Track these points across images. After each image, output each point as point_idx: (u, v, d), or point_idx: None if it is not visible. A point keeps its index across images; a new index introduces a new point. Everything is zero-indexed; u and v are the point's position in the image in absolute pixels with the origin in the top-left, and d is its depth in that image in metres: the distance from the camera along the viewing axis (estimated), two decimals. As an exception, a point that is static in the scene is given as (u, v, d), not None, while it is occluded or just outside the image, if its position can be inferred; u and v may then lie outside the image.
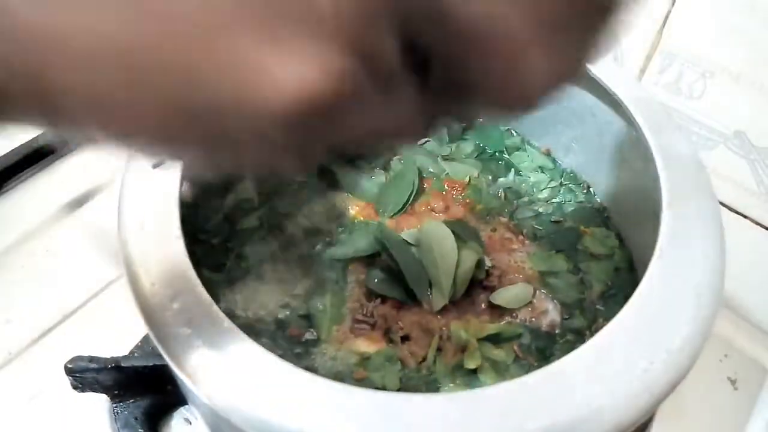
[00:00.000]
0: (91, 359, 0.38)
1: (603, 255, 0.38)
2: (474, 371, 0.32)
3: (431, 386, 0.32)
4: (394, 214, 0.39)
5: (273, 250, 0.37)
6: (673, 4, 0.43)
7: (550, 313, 0.35)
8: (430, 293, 0.34)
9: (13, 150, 0.53)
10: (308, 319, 0.34)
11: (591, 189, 0.42)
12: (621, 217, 0.40)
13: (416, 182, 0.40)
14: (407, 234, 0.36)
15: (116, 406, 0.40)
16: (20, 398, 0.42)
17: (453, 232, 0.35)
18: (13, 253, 0.49)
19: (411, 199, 0.40)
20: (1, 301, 0.46)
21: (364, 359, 0.33)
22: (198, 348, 0.25)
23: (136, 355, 0.42)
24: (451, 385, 0.31)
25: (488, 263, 0.36)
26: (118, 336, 0.44)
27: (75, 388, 0.39)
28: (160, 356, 0.41)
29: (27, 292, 0.47)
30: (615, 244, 0.38)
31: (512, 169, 0.43)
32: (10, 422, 0.41)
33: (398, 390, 0.31)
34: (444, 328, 0.33)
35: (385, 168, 0.42)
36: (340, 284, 0.35)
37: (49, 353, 0.44)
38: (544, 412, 0.23)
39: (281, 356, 0.24)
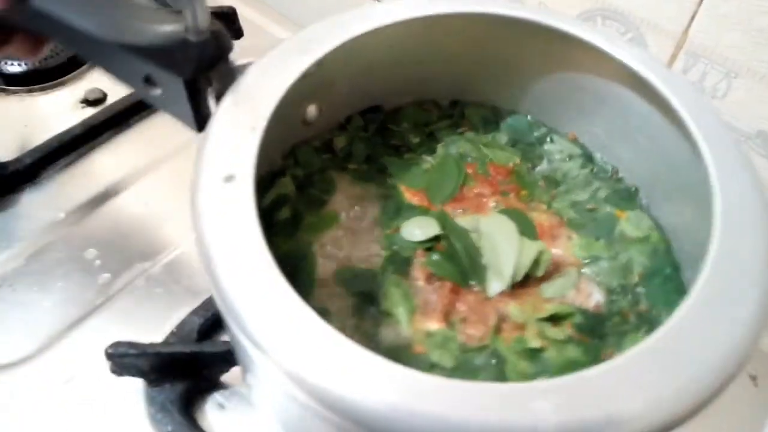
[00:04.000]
0: (131, 345, 0.39)
1: (640, 238, 0.40)
2: (538, 350, 0.33)
3: (494, 366, 0.33)
4: (446, 200, 0.40)
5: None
6: (700, 3, 0.44)
7: (594, 296, 0.37)
8: (487, 279, 0.36)
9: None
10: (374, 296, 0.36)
11: (620, 172, 0.43)
12: (652, 197, 0.41)
13: (463, 168, 0.42)
14: (465, 221, 0.38)
15: (152, 390, 0.41)
16: (56, 381, 0.43)
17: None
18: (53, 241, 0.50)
19: (459, 184, 0.41)
20: (38, 287, 0.47)
21: (427, 336, 0.34)
22: (270, 322, 0.26)
23: (171, 341, 0.43)
24: (516, 363, 0.33)
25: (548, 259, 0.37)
26: (151, 324, 0.45)
27: (113, 372, 0.40)
28: (197, 342, 0.43)
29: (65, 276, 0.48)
30: (650, 225, 0.40)
31: (545, 158, 0.44)
32: (46, 405, 0.42)
33: (453, 368, 0.33)
34: (500, 311, 0.35)
35: (431, 155, 0.43)
36: (405, 266, 0.37)
37: (84, 340, 0.45)
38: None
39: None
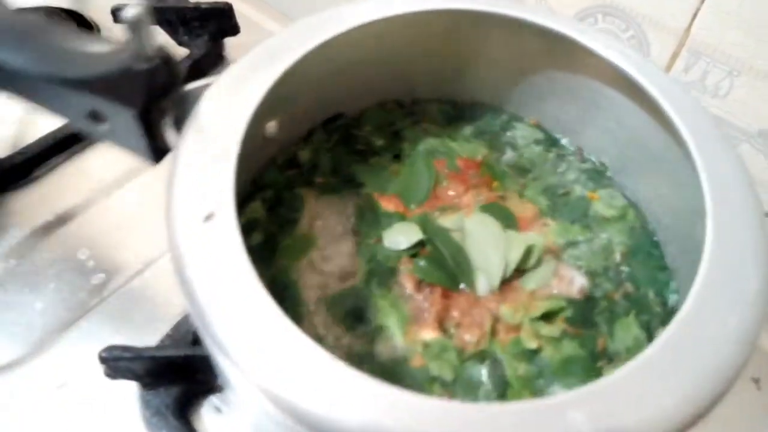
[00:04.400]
0: (125, 348, 0.39)
1: (615, 217, 0.40)
2: (535, 351, 0.33)
3: (495, 375, 0.33)
4: (421, 202, 0.39)
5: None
6: (702, 1, 0.43)
7: (577, 281, 0.37)
8: (476, 280, 0.35)
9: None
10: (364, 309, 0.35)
11: (585, 152, 0.44)
12: (622, 173, 0.42)
13: (432, 167, 0.41)
14: (447, 221, 0.37)
15: (147, 394, 0.40)
16: (49, 386, 0.42)
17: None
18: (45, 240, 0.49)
19: (432, 184, 0.40)
20: (30, 288, 0.47)
21: (424, 347, 0.33)
22: (247, 337, 0.25)
23: (166, 344, 0.42)
24: (515, 367, 0.33)
25: (538, 251, 0.37)
26: (145, 325, 0.45)
27: (107, 375, 0.39)
28: (192, 346, 0.42)
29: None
30: (623, 203, 0.41)
31: (511, 146, 0.44)
32: (39, 410, 0.41)
33: (453, 380, 0.32)
34: (493, 312, 0.35)
35: (398, 156, 0.42)
36: (390, 276, 0.36)
37: (77, 342, 0.44)
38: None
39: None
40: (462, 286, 0.35)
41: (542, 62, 0.41)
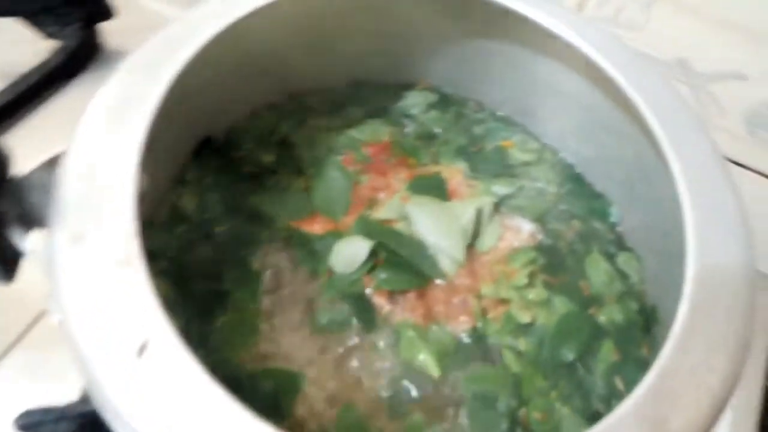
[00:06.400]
0: (46, 411, 0.31)
1: (534, 160, 0.39)
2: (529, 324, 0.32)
3: (491, 352, 0.31)
4: (346, 210, 0.35)
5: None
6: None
7: (525, 227, 0.36)
8: (441, 265, 0.33)
9: None
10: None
11: (483, 104, 0.42)
12: (526, 117, 0.41)
13: (341, 166, 0.36)
14: (384, 214, 0.34)
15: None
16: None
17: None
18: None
19: (350, 185, 0.36)
20: None
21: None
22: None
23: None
24: (513, 344, 0.31)
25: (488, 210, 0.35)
26: (65, 371, 0.35)
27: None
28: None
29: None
30: (537, 145, 0.40)
31: (407, 117, 0.41)
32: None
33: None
34: (474, 292, 0.32)
35: (300, 172, 0.36)
36: (366, 302, 0.32)
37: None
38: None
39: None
40: (432, 277, 0.33)
41: (423, 21, 0.38)
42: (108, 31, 0.52)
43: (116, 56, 0.50)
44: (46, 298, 0.35)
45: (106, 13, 0.51)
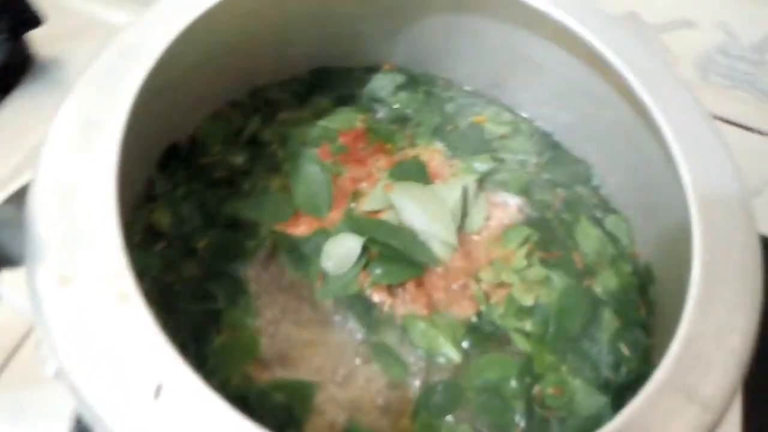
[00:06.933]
0: None
1: (511, 132, 0.39)
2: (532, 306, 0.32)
3: (501, 337, 0.31)
4: (330, 205, 0.33)
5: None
6: None
7: (510, 202, 0.35)
8: (435, 251, 0.32)
9: None
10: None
11: (452, 80, 0.41)
12: (497, 90, 0.40)
13: (319, 160, 0.35)
14: (370, 206, 0.33)
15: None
16: None
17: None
18: None
19: (330, 179, 0.34)
20: None
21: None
22: None
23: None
24: (519, 327, 0.31)
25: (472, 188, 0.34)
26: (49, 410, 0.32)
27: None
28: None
29: None
30: (510, 117, 0.39)
31: (376, 102, 0.39)
32: None
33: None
34: (469, 274, 0.32)
35: (276, 170, 0.35)
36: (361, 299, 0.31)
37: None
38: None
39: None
40: (427, 264, 0.32)
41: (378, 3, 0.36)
42: (39, 39, 0.48)
43: (52, 66, 0.46)
44: (20, 339, 0.33)
45: (34, 21, 0.46)
